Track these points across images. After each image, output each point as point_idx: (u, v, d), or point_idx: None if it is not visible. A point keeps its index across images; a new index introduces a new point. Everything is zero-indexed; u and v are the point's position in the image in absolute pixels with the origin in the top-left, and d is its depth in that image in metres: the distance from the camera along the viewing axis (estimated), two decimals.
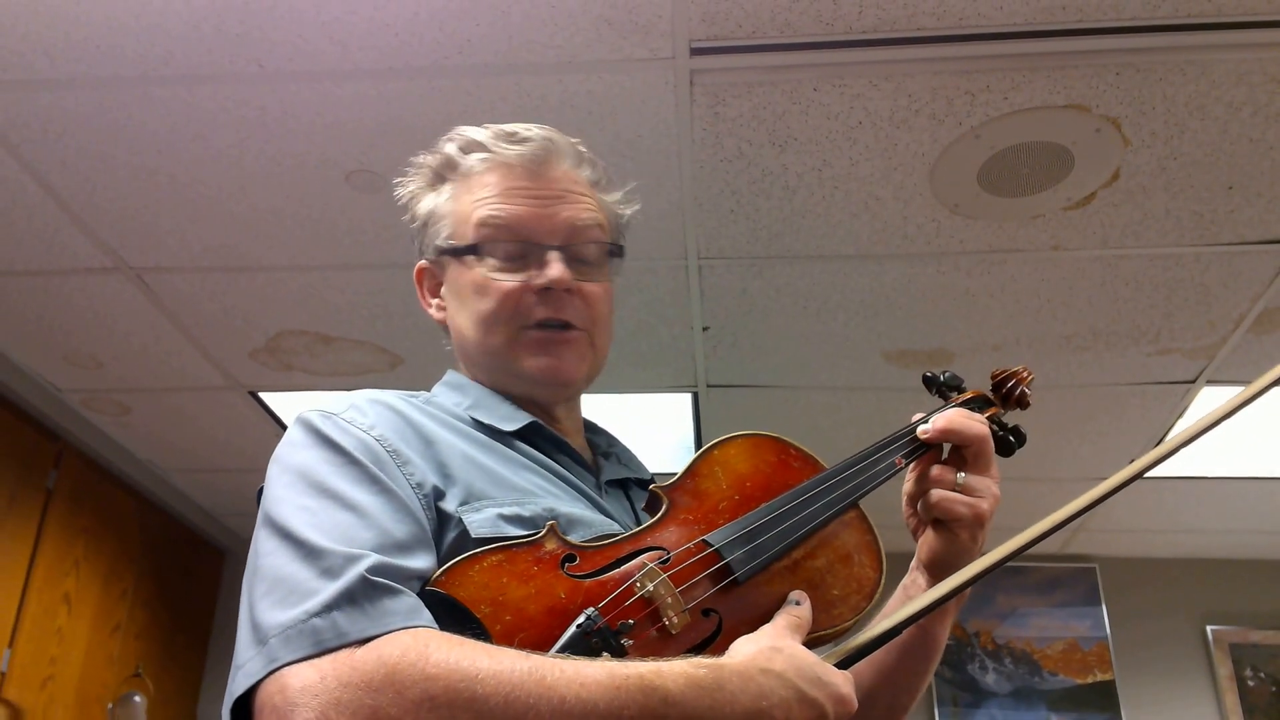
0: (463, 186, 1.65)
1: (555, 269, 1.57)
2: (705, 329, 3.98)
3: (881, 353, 4.16)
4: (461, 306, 1.63)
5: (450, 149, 1.67)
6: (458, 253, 1.62)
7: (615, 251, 1.70)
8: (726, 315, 3.92)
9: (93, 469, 5.08)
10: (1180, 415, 4.53)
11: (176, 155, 3.12)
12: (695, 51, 2.78)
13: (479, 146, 1.65)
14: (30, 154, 3.12)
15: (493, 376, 1.64)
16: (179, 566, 5.96)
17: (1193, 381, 4.26)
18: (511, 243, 1.59)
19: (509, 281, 1.58)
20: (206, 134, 3.04)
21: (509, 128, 1.66)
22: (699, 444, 5.03)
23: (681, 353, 4.18)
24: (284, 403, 4.71)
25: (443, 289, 1.70)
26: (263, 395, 4.63)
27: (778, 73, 2.85)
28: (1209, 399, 4.37)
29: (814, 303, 3.84)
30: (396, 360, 4.29)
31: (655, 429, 4.92)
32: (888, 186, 3.24)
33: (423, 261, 1.71)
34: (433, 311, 1.71)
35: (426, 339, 4.09)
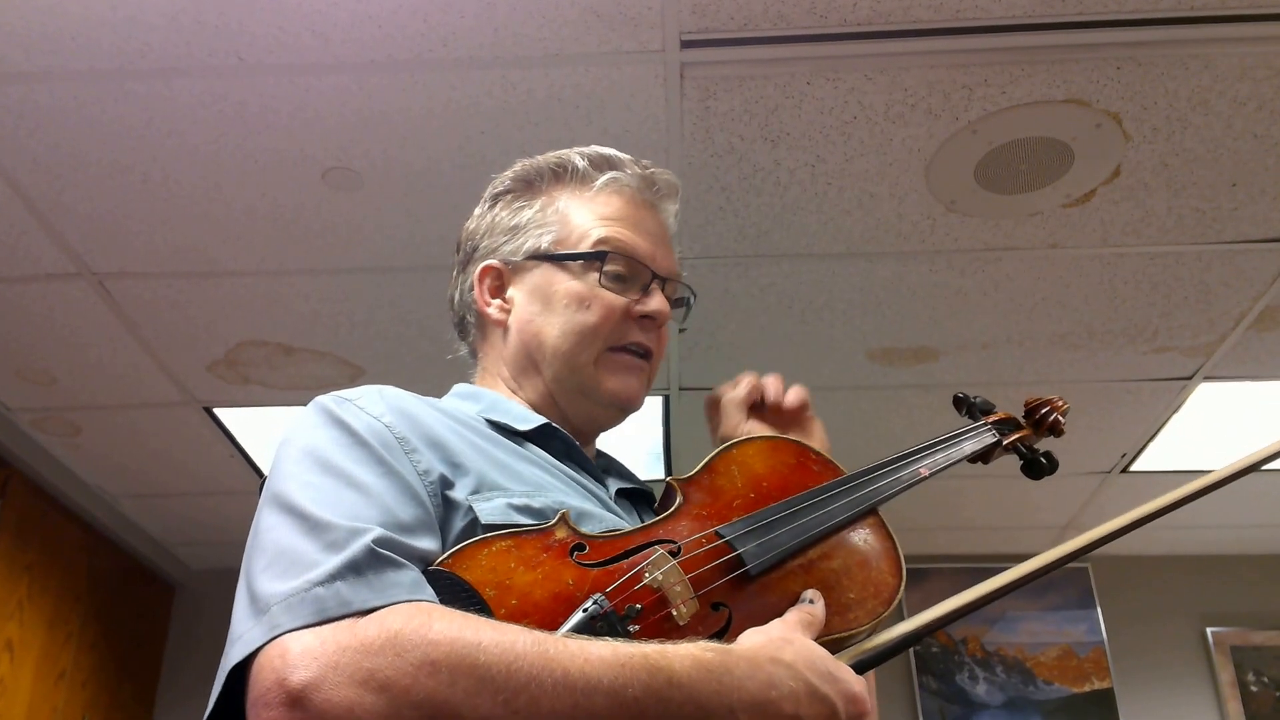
0: (578, 198, 1.73)
1: (658, 300, 1.68)
2: (682, 330, 3.99)
3: (865, 352, 4.21)
4: (550, 312, 1.68)
5: (576, 160, 1.74)
6: (564, 258, 1.68)
7: (690, 304, 1.84)
8: (705, 316, 3.96)
9: (41, 497, 4.97)
10: (1175, 411, 4.59)
11: (151, 152, 3.13)
12: (685, 44, 2.83)
13: (612, 164, 1.74)
14: None
15: (556, 384, 1.69)
16: (127, 605, 5.83)
17: (1189, 378, 4.33)
18: (624, 265, 1.68)
19: (614, 299, 1.66)
20: (183, 129, 3.06)
21: (637, 160, 1.77)
22: (669, 450, 5.05)
23: None
24: (239, 420, 4.69)
25: (510, 291, 1.74)
26: (218, 412, 4.61)
27: (770, 66, 2.90)
28: (1205, 395, 4.44)
29: (799, 302, 3.89)
30: (358, 372, 4.29)
31: (623, 434, 4.93)
32: (882, 183, 3.29)
33: (493, 261, 1.75)
34: (492, 311, 1.74)
35: (389, 349, 4.12)
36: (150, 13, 2.70)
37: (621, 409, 1.71)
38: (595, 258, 1.66)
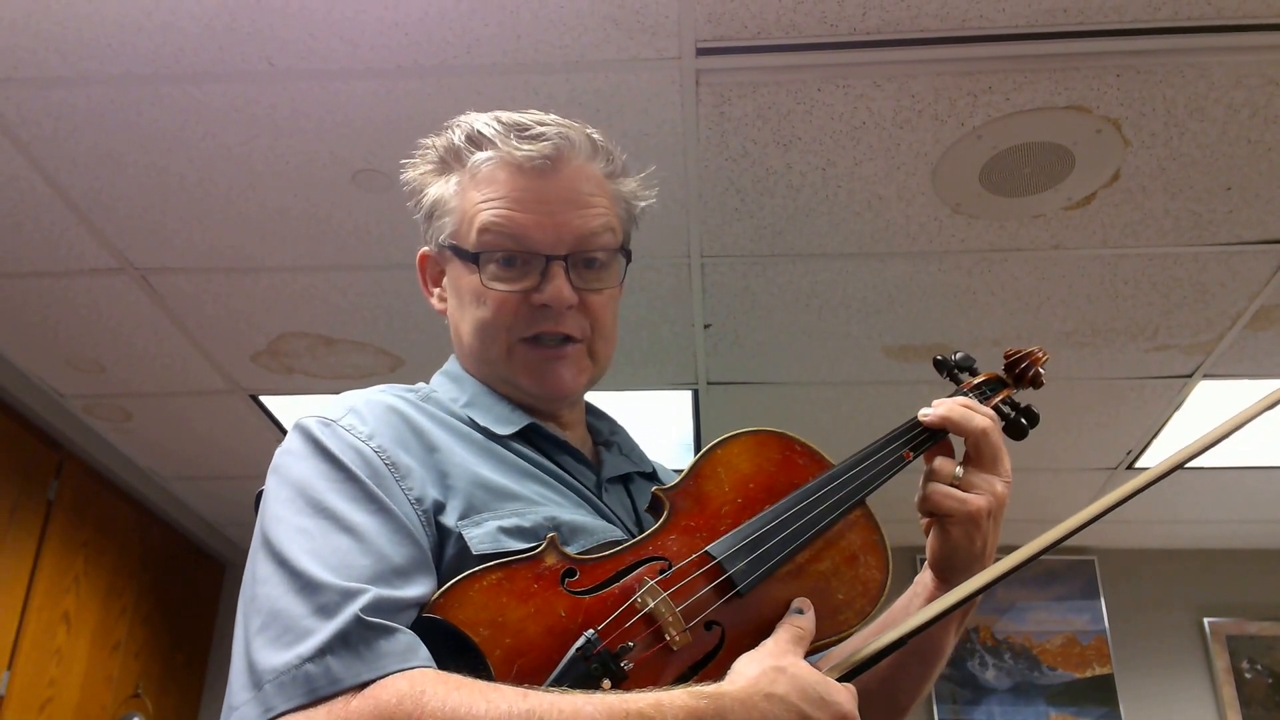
0: (469, 182, 1.56)
1: (555, 285, 1.52)
2: (707, 326, 4.01)
3: (882, 348, 4.19)
4: (461, 308, 1.59)
5: (458, 139, 1.58)
6: (459, 254, 1.56)
7: (624, 255, 1.64)
8: (728, 313, 3.94)
9: (94, 479, 5.01)
10: (1177, 408, 4.56)
11: (186, 154, 3.13)
12: (701, 51, 2.81)
13: (487, 143, 1.55)
14: (40, 152, 3.12)
15: (488, 379, 1.60)
16: (179, 580, 5.87)
17: (1189, 376, 4.29)
18: (513, 252, 1.52)
19: (508, 292, 1.53)
20: (216, 132, 3.06)
21: (522, 119, 1.56)
22: (699, 441, 5.04)
23: (682, 350, 4.20)
24: (284, 406, 4.70)
25: (445, 280, 1.65)
26: (263, 399, 4.63)
27: (782, 73, 2.88)
28: (1205, 393, 4.41)
29: (816, 300, 3.87)
30: (398, 362, 4.30)
31: (655, 426, 4.92)
32: (890, 186, 3.27)
33: (426, 249, 1.65)
34: (434, 301, 1.67)
35: (428, 340, 4.11)
36: (184, 19, 2.70)
37: (545, 400, 1.59)
38: (474, 258, 1.54)
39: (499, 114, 1.58)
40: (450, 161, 1.60)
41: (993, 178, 3.21)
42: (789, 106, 2.98)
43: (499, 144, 1.54)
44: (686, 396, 4.65)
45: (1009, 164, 3.16)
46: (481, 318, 1.55)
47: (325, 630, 1.17)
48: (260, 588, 1.25)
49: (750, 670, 1.24)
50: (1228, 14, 2.66)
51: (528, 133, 1.54)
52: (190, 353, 4.21)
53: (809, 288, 3.80)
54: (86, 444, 4.86)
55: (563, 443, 1.58)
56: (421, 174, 1.64)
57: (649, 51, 2.81)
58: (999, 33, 2.75)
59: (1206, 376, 4.28)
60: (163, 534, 5.70)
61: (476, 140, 1.57)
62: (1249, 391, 4.32)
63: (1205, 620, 6.02)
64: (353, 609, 1.18)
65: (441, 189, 1.60)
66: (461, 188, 1.58)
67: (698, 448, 5.09)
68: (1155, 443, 4.86)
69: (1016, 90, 2.92)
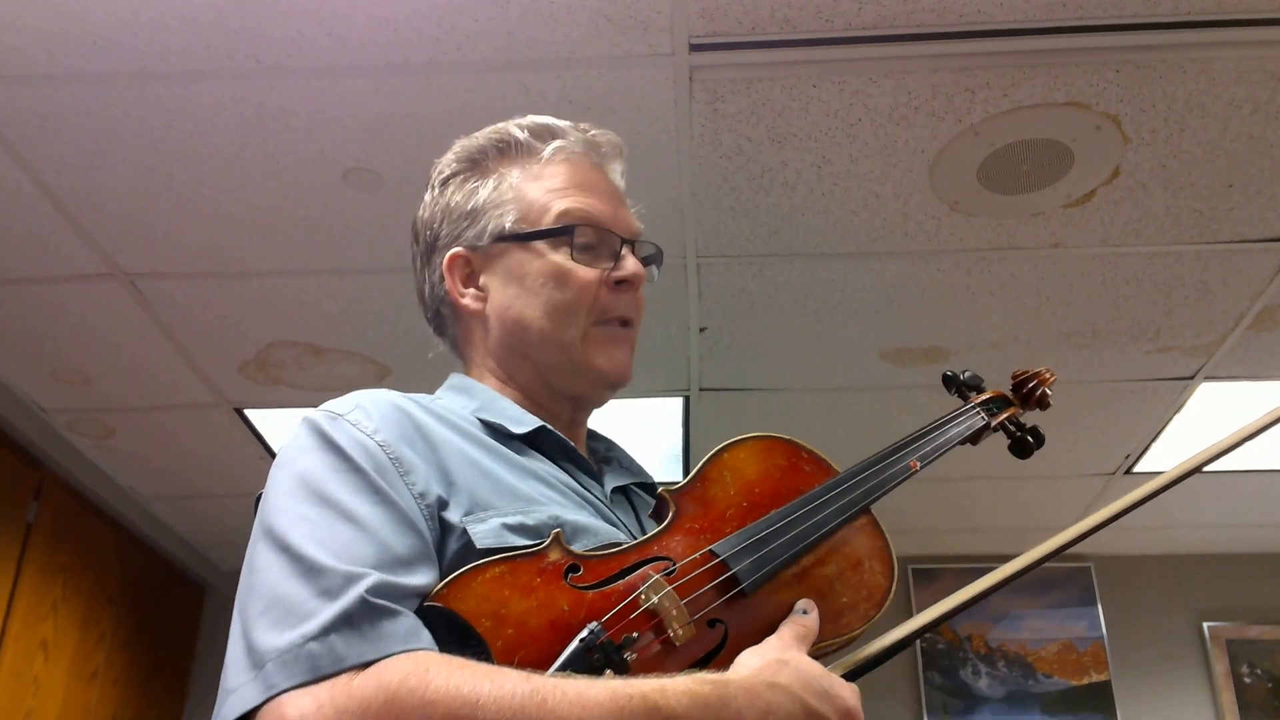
0: (529, 172, 1.63)
1: (632, 264, 1.60)
2: (702, 330, 3.98)
3: (878, 352, 4.16)
4: (527, 294, 1.59)
5: (516, 133, 1.65)
6: (531, 237, 1.59)
7: (660, 257, 1.73)
8: (725, 315, 3.91)
9: (74, 499, 4.92)
10: (1177, 411, 4.54)
11: (174, 153, 3.10)
12: (695, 48, 2.79)
13: (555, 133, 1.65)
14: (27, 152, 3.09)
15: (546, 368, 1.61)
16: (158, 604, 5.78)
17: (1191, 378, 4.27)
18: (592, 234, 1.59)
19: (589, 271, 1.57)
20: (204, 131, 3.03)
21: (576, 124, 1.70)
22: (688, 452, 5.00)
23: (675, 355, 4.16)
24: (269, 421, 4.65)
25: (483, 279, 1.64)
26: (248, 413, 4.57)
27: (777, 69, 2.86)
28: (1207, 395, 4.39)
29: (813, 301, 3.84)
30: (385, 371, 4.26)
31: (642, 436, 4.87)
32: (887, 184, 3.25)
33: (459, 249, 1.63)
34: (468, 301, 1.64)
35: (415, 347, 4.06)
36: (170, 16, 2.67)
37: (613, 384, 1.63)
38: (562, 233, 1.58)
39: (534, 116, 1.70)
40: (502, 156, 1.67)
41: (991, 175, 3.20)
42: (784, 103, 2.97)
43: (567, 134, 1.67)
44: (677, 404, 4.60)
45: (1007, 161, 3.15)
46: (561, 299, 1.57)
47: (329, 610, 1.16)
48: (260, 575, 1.25)
49: (754, 661, 1.25)
50: (1229, 9, 2.66)
51: (588, 132, 1.70)
52: (177, 363, 4.17)
53: (805, 288, 3.78)
54: (67, 462, 4.79)
55: (570, 449, 1.58)
56: (453, 178, 1.68)
57: (641, 48, 2.80)
58: (997, 28, 2.74)
59: (1208, 379, 4.27)
60: (142, 557, 5.61)
61: (539, 132, 1.66)
62: (1250, 394, 4.31)
63: (1204, 625, 6.00)
64: (357, 590, 1.18)
65: (492, 186, 1.64)
66: (521, 179, 1.64)
67: (687, 458, 5.06)
68: (1154, 446, 4.83)
69: (1014, 86, 2.91)
